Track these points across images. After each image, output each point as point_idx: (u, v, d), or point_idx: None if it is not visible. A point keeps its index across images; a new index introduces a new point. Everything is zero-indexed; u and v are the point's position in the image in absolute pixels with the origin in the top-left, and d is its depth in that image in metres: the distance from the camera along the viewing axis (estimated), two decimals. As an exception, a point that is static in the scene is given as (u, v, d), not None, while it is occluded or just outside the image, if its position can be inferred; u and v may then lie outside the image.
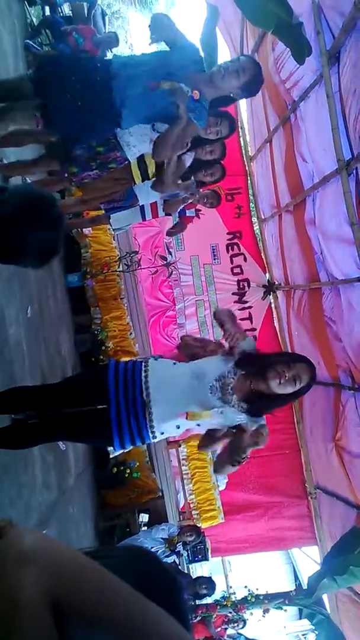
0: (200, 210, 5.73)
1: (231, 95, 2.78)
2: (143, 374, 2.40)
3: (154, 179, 3.87)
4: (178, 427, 2.40)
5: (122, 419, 2.33)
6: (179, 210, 4.80)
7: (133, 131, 3.38)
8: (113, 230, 4.83)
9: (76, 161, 3.49)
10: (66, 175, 3.63)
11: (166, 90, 2.55)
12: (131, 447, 2.48)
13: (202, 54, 2.60)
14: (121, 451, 2.46)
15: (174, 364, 2.48)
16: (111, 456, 2.49)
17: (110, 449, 3.20)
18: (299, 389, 2.28)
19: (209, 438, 2.50)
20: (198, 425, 2.38)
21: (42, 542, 0.66)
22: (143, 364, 2.46)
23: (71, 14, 6.78)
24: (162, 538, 4.96)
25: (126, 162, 3.77)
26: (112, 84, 2.59)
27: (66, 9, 6.87)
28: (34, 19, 6.10)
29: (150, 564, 0.89)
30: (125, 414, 2.32)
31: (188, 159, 3.71)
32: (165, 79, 2.55)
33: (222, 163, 4.34)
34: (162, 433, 2.40)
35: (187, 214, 5.05)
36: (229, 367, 2.37)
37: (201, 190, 4.60)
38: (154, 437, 2.39)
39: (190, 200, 4.43)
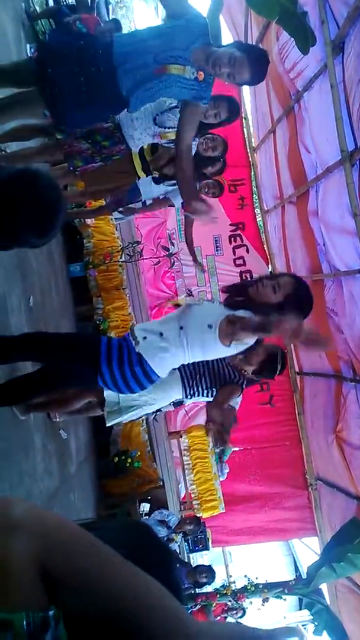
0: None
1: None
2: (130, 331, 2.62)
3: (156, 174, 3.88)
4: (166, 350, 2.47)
5: (112, 351, 2.45)
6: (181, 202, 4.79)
7: (137, 125, 3.37)
8: (115, 218, 4.84)
9: (81, 155, 3.50)
10: (71, 168, 3.64)
11: (173, 75, 2.53)
12: (115, 391, 2.57)
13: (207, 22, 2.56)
14: (115, 421, 2.53)
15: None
16: (107, 424, 2.58)
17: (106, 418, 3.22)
18: (282, 300, 2.46)
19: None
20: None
21: (32, 510, 0.67)
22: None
23: (75, 3, 6.73)
24: (158, 520, 5.00)
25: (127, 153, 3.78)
26: (117, 74, 2.57)
27: (69, -3, 6.82)
28: (37, 8, 6.07)
29: (143, 536, 0.91)
30: (115, 350, 2.46)
31: (193, 147, 3.70)
32: (170, 63, 2.52)
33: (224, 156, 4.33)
34: (145, 338, 2.47)
35: None
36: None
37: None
38: (137, 344, 2.47)
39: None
